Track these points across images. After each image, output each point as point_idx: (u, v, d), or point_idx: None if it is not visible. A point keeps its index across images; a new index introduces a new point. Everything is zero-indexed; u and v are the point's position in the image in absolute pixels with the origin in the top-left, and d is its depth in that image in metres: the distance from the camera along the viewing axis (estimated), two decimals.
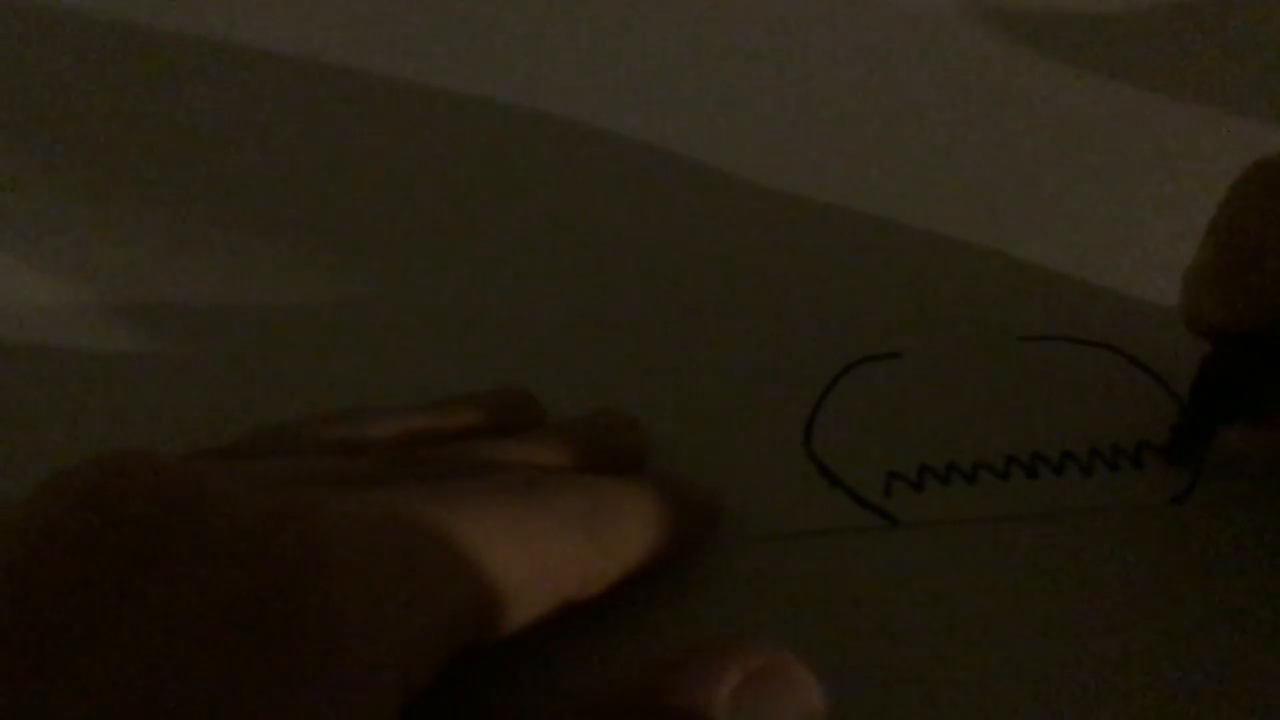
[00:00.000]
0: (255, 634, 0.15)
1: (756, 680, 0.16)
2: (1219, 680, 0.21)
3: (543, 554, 0.18)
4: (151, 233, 0.31)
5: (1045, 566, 0.23)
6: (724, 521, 0.23)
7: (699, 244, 0.31)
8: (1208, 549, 0.23)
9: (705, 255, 0.30)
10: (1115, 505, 0.24)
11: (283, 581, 0.15)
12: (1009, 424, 0.26)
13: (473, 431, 0.23)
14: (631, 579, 0.21)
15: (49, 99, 0.36)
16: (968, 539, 0.23)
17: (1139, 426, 0.25)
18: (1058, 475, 0.24)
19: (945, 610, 0.22)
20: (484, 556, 0.17)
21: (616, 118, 0.35)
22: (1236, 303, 0.22)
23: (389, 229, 0.31)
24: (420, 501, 0.17)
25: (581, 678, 0.20)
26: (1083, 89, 0.36)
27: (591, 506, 0.20)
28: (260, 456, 0.19)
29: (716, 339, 0.28)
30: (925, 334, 0.28)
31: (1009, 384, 0.27)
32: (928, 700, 0.21)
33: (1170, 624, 0.22)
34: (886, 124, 0.35)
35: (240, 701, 0.14)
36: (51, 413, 0.26)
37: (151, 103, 0.36)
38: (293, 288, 0.29)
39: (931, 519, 0.24)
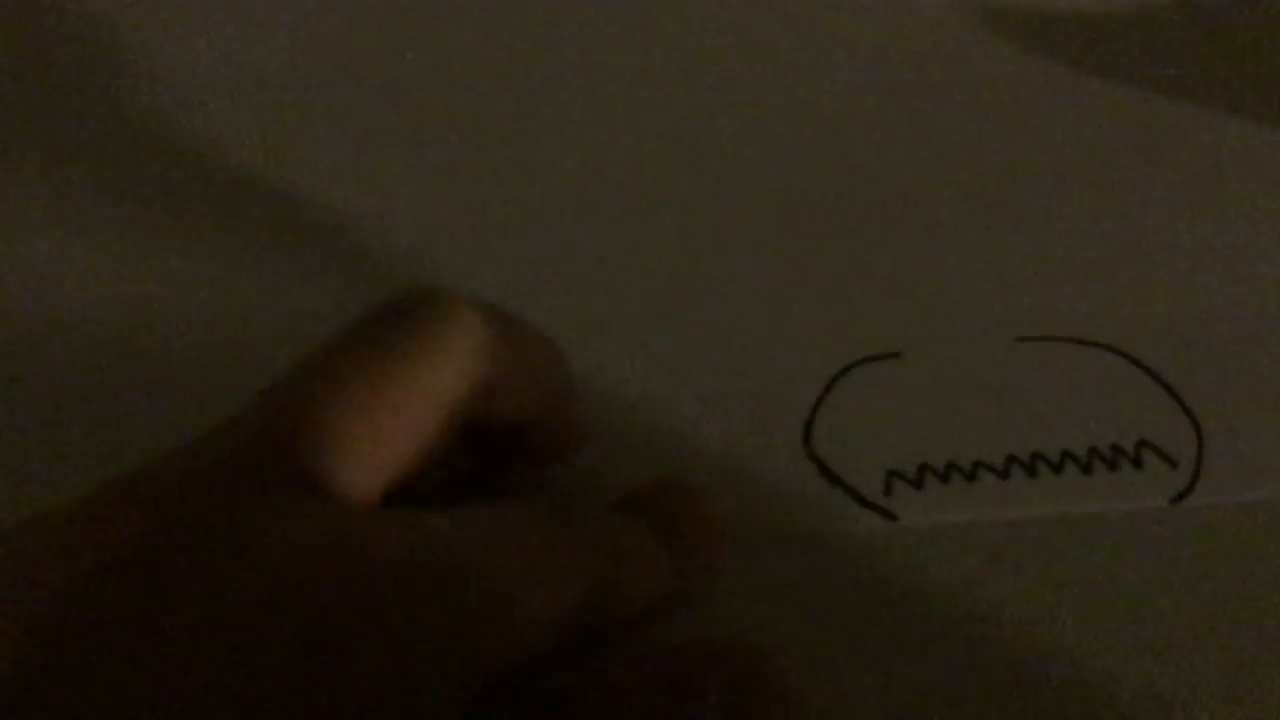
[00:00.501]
0: (295, 677, 0.15)
1: (746, 682, 0.16)
2: (1219, 681, 0.21)
3: (574, 588, 0.18)
4: (155, 231, 0.31)
5: (1044, 565, 0.23)
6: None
7: (698, 242, 0.31)
8: (1207, 549, 0.23)
9: (705, 253, 0.30)
10: (1115, 505, 0.24)
11: (326, 624, 0.15)
12: (1009, 423, 0.26)
13: None
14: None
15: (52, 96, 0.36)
16: (967, 538, 0.23)
17: (1138, 426, 0.25)
18: (1057, 475, 0.25)
19: (945, 609, 0.22)
20: (522, 594, 0.17)
21: (615, 117, 0.35)
22: None
23: (384, 223, 0.31)
24: (460, 536, 0.17)
25: (577, 674, 0.20)
26: (1084, 89, 0.36)
27: (609, 549, 0.20)
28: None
29: (716, 337, 0.28)
30: (925, 333, 0.28)
31: (1009, 384, 0.27)
32: (927, 699, 0.21)
33: (1169, 623, 0.22)
34: (886, 123, 0.35)
35: None
36: (55, 407, 0.26)
37: (159, 109, 0.36)
38: (293, 287, 0.29)
39: (931, 518, 0.24)
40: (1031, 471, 0.25)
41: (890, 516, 0.24)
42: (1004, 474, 0.25)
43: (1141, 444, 0.25)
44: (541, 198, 0.32)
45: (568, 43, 0.39)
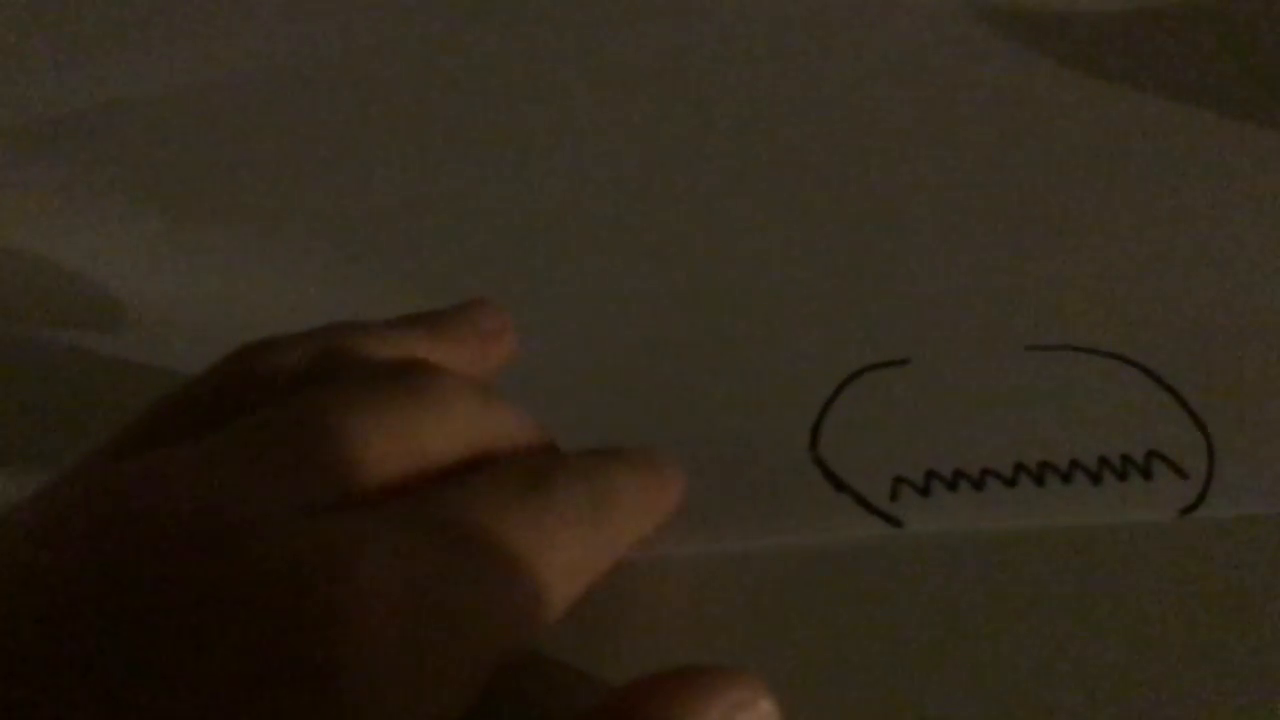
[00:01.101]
0: (269, 706, 0.14)
1: (737, 712, 0.16)
2: (1228, 695, 0.21)
3: (559, 562, 0.18)
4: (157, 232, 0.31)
5: (1051, 576, 0.23)
6: (726, 525, 0.23)
7: (706, 247, 0.31)
8: (1216, 561, 0.23)
9: (713, 258, 0.30)
10: (1123, 516, 0.24)
11: (307, 648, 0.15)
12: (1017, 432, 0.25)
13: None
14: None
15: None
16: (973, 546, 0.23)
17: (1149, 437, 0.25)
18: (1065, 484, 0.24)
19: (949, 618, 0.22)
20: (512, 597, 0.17)
21: (621, 119, 0.35)
22: None
23: (384, 225, 0.31)
24: (443, 546, 0.17)
25: (579, 686, 0.20)
26: (1093, 92, 0.36)
27: (595, 497, 0.20)
28: (272, 434, 0.18)
29: (725, 341, 0.28)
30: (935, 340, 0.28)
31: (1018, 392, 0.26)
32: (931, 708, 0.20)
33: (1177, 637, 0.22)
34: (895, 127, 0.35)
35: None
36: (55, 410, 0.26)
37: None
38: (294, 290, 0.29)
39: (937, 526, 0.24)
40: (1039, 481, 0.24)
41: (896, 523, 0.24)
42: (1012, 482, 0.24)
43: (1151, 455, 0.25)
44: (544, 200, 0.32)
45: (571, 43, 0.39)
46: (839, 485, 0.24)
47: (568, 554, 0.18)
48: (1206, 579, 0.23)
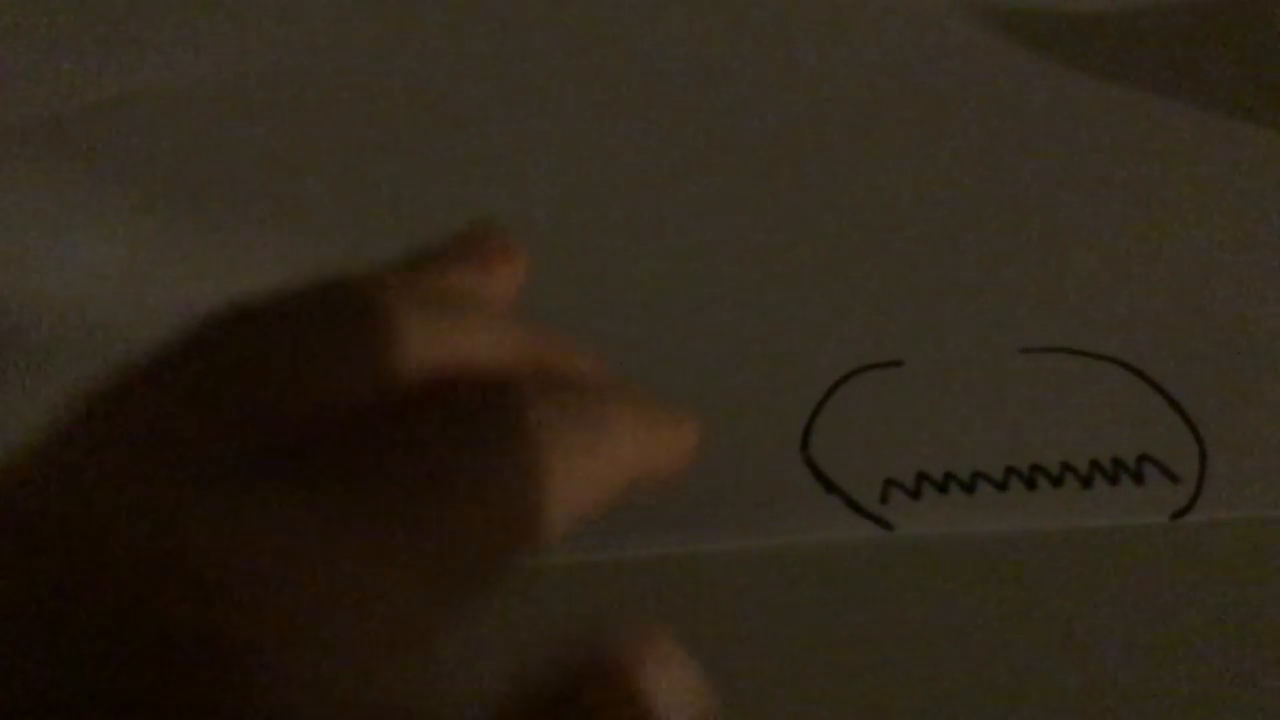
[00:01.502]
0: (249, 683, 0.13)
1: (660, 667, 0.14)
2: (1216, 697, 0.21)
3: (531, 485, 0.16)
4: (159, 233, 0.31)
5: (1040, 579, 0.23)
6: (716, 525, 0.23)
7: (700, 247, 0.31)
8: (1206, 565, 0.23)
9: (707, 258, 0.30)
10: (1114, 520, 0.24)
11: (184, 630, 0.13)
12: (1009, 435, 0.25)
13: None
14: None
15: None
16: (963, 549, 0.23)
17: (1140, 440, 0.25)
18: (1056, 488, 0.24)
19: (938, 620, 0.22)
20: (454, 546, 0.15)
21: (614, 120, 0.35)
22: None
23: (380, 224, 0.31)
24: (353, 499, 0.14)
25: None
26: (1090, 93, 0.36)
27: (584, 422, 0.17)
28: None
29: (717, 340, 0.28)
30: (929, 342, 0.28)
31: (1010, 395, 0.26)
32: (920, 709, 0.21)
33: (1167, 640, 0.22)
34: (889, 129, 0.35)
35: None
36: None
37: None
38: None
39: (927, 528, 0.24)
40: (1030, 484, 0.24)
41: (886, 526, 0.24)
42: (1002, 485, 0.24)
43: (1143, 458, 0.25)
44: (540, 200, 0.32)
45: (570, 44, 0.39)
46: (829, 487, 0.24)
47: (549, 471, 0.16)
48: (1198, 583, 0.23)
